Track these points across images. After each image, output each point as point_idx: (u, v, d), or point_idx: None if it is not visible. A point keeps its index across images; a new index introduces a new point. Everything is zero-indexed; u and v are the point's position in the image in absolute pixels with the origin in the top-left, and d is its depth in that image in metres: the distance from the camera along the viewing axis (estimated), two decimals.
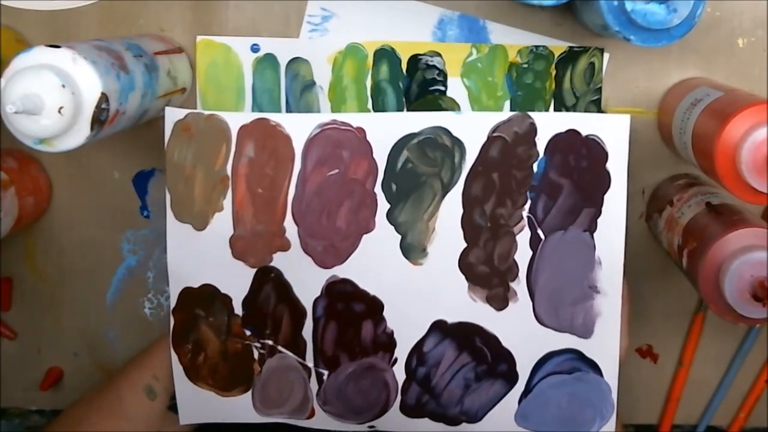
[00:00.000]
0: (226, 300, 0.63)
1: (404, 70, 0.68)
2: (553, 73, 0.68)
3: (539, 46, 0.67)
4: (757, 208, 0.67)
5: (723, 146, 0.55)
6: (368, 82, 0.68)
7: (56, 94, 0.51)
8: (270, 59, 0.68)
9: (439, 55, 0.68)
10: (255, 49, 0.68)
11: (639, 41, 0.57)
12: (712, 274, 0.57)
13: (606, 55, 0.67)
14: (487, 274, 0.61)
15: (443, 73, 0.68)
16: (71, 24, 0.68)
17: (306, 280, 0.62)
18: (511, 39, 0.67)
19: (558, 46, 0.67)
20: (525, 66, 0.67)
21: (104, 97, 0.53)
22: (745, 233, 0.57)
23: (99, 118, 0.53)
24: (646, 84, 0.68)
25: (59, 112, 0.51)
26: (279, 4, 0.67)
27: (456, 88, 0.68)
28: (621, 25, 0.56)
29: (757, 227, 0.57)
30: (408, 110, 0.66)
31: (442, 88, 0.68)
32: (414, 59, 0.68)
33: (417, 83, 0.68)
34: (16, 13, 0.67)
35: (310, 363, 0.63)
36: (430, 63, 0.68)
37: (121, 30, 0.68)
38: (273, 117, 0.61)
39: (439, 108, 0.67)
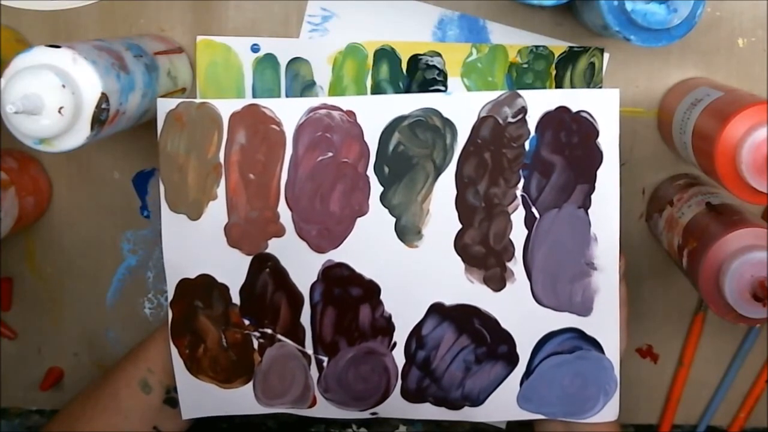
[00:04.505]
0: (224, 289, 0.63)
1: (404, 70, 0.68)
2: (553, 73, 0.68)
3: (539, 46, 0.67)
4: (757, 208, 0.67)
5: (723, 146, 0.55)
6: (368, 82, 0.68)
7: (56, 94, 0.51)
8: (270, 59, 0.68)
9: (439, 55, 0.68)
10: (255, 49, 0.68)
11: (639, 41, 0.57)
12: (712, 274, 0.57)
13: (606, 55, 0.67)
14: (484, 254, 0.61)
15: (443, 73, 0.68)
16: (71, 24, 0.68)
17: (302, 265, 0.62)
18: (511, 39, 0.67)
19: (558, 46, 0.67)
20: (525, 66, 0.68)
21: (104, 97, 0.53)
22: (745, 233, 0.57)
23: (99, 118, 0.53)
24: (646, 84, 0.68)
25: (59, 112, 0.51)
26: (279, 4, 0.67)
27: (456, 88, 0.68)
28: (621, 25, 0.56)
29: (757, 227, 0.57)
30: None
31: (442, 88, 0.68)
32: (414, 59, 0.68)
33: (417, 83, 0.68)
34: (16, 13, 0.67)
35: (309, 350, 0.63)
36: (430, 63, 0.68)
37: (121, 30, 0.68)
38: (263, 102, 0.61)
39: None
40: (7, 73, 0.52)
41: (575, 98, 0.59)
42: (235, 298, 0.63)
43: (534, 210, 0.60)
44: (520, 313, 0.61)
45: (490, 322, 0.62)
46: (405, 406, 0.64)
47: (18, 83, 0.51)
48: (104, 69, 0.54)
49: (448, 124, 0.60)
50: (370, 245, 0.61)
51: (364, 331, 0.62)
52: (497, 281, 0.61)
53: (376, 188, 0.61)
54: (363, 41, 0.68)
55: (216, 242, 0.62)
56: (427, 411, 0.64)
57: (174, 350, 0.63)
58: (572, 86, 0.67)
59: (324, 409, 0.64)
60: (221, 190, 0.61)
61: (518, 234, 0.61)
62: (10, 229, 0.64)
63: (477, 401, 0.63)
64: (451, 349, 0.62)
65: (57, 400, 0.73)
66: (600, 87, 0.67)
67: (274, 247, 0.62)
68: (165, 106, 0.61)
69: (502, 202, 0.61)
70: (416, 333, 0.62)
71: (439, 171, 0.61)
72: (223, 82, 0.68)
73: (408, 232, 0.61)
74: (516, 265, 0.61)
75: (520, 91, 0.60)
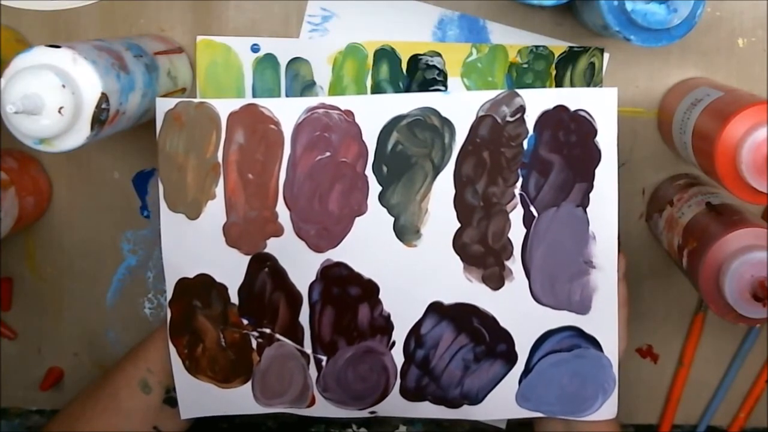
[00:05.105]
0: (222, 289, 0.63)
1: (404, 70, 0.68)
2: (553, 73, 0.68)
3: (539, 46, 0.67)
4: (757, 208, 0.67)
5: (723, 146, 0.55)
6: (368, 82, 0.68)
7: (56, 94, 0.51)
8: (270, 59, 0.68)
9: (439, 55, 0.68)
10: (255, 49, 0.68)
11: (639, 41, 0.57)
12: (712, 274, 0.57)
13: (606, 55, 0.67)
14: (482, 253, 0.61)
15: (443, 73, 0.68)
16: (71, 24, 0.68)
17: (300, 264, 0.62)
18: (511, 39, 0.67)
19: (558, 46, 0.67)
20: (525, 66, 0.68)
21: (104, 97, 0.53)
22: (745, 233, 0.57)
23: (99, 118, 0.53)
24: (646, 84, 0.68)
25: (59, 112, 0.51)
26: (279, 4, 0.67)
27: (456, 89, 0.68)
28: (621, 25, 0.56)
29: (757, 227, 0.57)
30: None
31: (442, 88, 0.68)
32: (414, 59, 0.68)
33: (417, 83, 0.68)
34: (16, 13, 0.67)
35: (308, 349, 0.63)
36: (430, 63, 0.68)
37: (121, 30, 0.68)
38: (262, 102, 0.61)
39: None
40: (7, 73, 0.52)
41: (573, 97, 0.59)
42: (234, 298, 0.63)
43: (532, 209, 0.60)
44: (519, 311, 0.61)
45: (488, 320, 0.62)
46: (404, 404, 0.64)
47: (18, 83, 0.51)
48: (104, 69, 0.54)
49: (447, 123, 0.60)
50: (368, 245, 0.61)
51: (362, 331, 0.62)
52: (496, 280, 0.61)
53: (374, 188, 0.61)
54: (363, 41, 0.68)
55: (215, 242, 0.62)
56: (426, 410, 0.64)
57: (172, 350, 0.63)
58: (572, 86, 0.67)
59: (323, 408, 0.64)
60: (220, 190, 0.61)
61: (517, 233, 0.61)
62: (10, 229, 0.64)
63: (476, 400, 0.63)
64: (449, 347, 0.62)
65: (57, 400, 0.73)
66: (599, 86, 0.67)
67: (272, 246, 0.62)
68: (164, 105, 0.61)
69: (500, 201, 0.61)
70: (415, 332, 0.62)
71: (437, 170, 0.61)
72: (223, 82, 0.68)
73: (407, 232, 0.61)
74: (514, 264, 0.61)
75: (519, 90, 0.60)
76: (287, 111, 0.61)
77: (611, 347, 0.61)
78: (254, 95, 0.68)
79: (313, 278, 0.62)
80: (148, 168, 0.70)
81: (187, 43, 0.68)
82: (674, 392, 0.72)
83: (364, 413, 0.64)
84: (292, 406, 0.64)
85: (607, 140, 0.59)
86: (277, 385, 0.64)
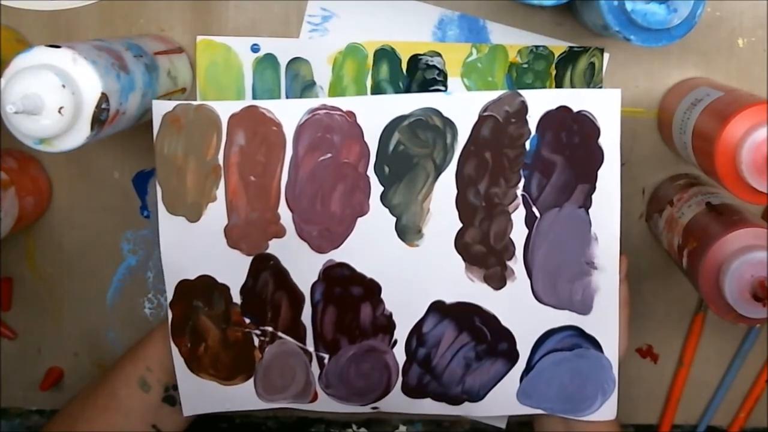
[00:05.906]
0: (224, 289, 0.63)
1: (404, 70, 0.68)
2: (553, 73, 0.68)
3: (539, 46, 0.67)
4: (757, 208, 0.67)
5: (723, 146, 0.55)
6: (368, 82, 0.68)
7: (56, 94, 0.51)
8: (270, 59, 0.68)
9: (439, 55, 0.68)
10: (255, 49, 0.68)
11: (639, 41, 0.57)
12: (712, 274, 0.57)
13: (606, 55, 0.67)
14: (484, 253, 0.61)
15: (443, 73, 0.68)
16: (71, 24, 0.68)
17: (303, 265, 0.62)
18: (511, 39, 0.67)
19: (558, 46, 0.67)
20: (525, 66, 0.68)
21: (104, 97, 0.53)
22: (745, 233, 0.57)
23: (99, 118, 0.53)
24: (646, 84, 0.68)
25: (59, 112, 0.51)
26: (279, 4, 0.67)
27: (456, 88, 0.68)
28: (621, 25, 0.56)
29: (757, 227, 0.57)
30: None
31: (443, 88, 0.68)
32: (414, 59, 0.68)
33: (417, 83, 0.68)
34: (16, 13, 0.67)
35: (310, 347, 0.63)
36: (430, 63, 0.68)
37: (121, 30, 0.68)
38: (263, 104, 0.61)
39: None
40: (7, 73, 0.52)
41: (576, 98, 0.59)
42: (236, 298, 0.63)
43: (534, 209, 0.60)
44: (521, 310, 0.62)
45: (490, 319, 0.62)
46: (405, 401, 0.64)
47: (18, 83, 0.51)
48: (104, 69, 0.54)
49: (449, 123, 0.60)
50: (370, 245, 0.61)
51: (365, 330, 0.63)
52: (498, 280, 0.61)
53: (376, 188, 0.61)
54: (363, 41, 0.68)
55: (216, 244, 0.62)
56: (428, 406, 0.64)
57: (174, 349, 0.63)
58: (572, 86, 0.67)
59: (325, 403, 0.64)
60: (221, 192, 0.61)
61: (519, 233, 0.61)
62: (10, 229, 0.64)
63: (477, 397, 0.63)
64: (451, 346, 0.62)
65: (57, 400, 0.73)
66: (600, 87, 0.67)
67: (274, 247, 0.62)
68: (161, 108, 0.61)
69: (502, 201, 0.61)
70: (417, 331, 0.63)
71: (439, 170, 0.61)
72: (223, 82, 0.68)
73: (408, 232, 0.61)
74: (516, 264, 0.61)
75: (521, 91, 0.60)
76: (289, 112, 0.61)
77: (611, 348, 0.62)
78: (254, 95, 0.68)
79: (315, 278, 0.62)
80: (148, 168, 0.70)
81: (187, 43, 0.68)
82: (674, 392, 0.72)
83: (367, 409, 0.64)
84: (295, 401, 0.64)
85: (610, 142, 0.59)
86: (279, 381, 0.64)
